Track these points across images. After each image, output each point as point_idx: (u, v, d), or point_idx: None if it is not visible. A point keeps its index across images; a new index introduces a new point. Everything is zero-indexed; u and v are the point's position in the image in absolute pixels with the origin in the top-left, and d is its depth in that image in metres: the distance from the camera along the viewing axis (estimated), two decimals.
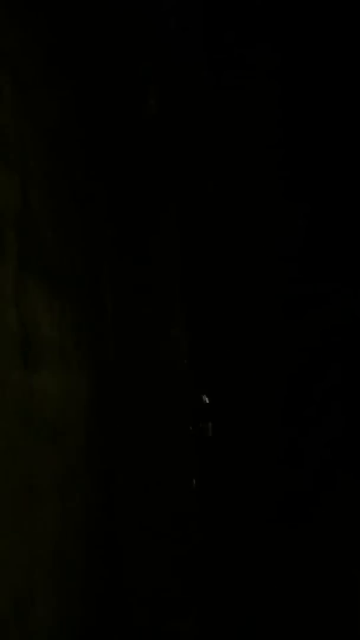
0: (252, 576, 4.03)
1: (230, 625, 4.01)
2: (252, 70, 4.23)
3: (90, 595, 3.12)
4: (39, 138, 2.47)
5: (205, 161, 4.44)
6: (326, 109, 4.11)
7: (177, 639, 4.00)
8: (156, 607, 4.02)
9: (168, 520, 4.17)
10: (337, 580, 3.83)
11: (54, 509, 2.33)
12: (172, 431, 4.35)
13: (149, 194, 4.40)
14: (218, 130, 4.38)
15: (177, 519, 4.19)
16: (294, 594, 3.89)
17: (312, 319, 4.12)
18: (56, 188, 2.79)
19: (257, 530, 4.07)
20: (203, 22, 4.27)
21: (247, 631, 3.95)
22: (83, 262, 3.42)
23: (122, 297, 4.34)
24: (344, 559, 3.88)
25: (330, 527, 3.92)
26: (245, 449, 4.25)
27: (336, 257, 4.11)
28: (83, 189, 3.58)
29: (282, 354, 4.21)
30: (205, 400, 4.70)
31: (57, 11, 3.10)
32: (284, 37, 4.14)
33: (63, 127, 3.09)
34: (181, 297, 4.44)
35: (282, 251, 4.25)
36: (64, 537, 2.51)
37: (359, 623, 3.71)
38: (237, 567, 4.09)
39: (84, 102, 3.84)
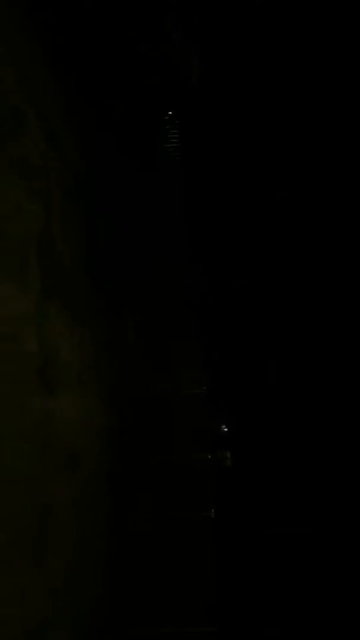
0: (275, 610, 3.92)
1: None
2: None
3: (105, 623, 3.07)
4: (62, 165, 2.53)
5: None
6: None
7: None
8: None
9: (184, 551, 4.10)
10: None
11: (71, 536, 2.31)
12: (190, 459, 4.31)
13: (171, 226, 4.47)
14: None
15: (193, 550, 4.12)
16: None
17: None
18: (78, 216, 2.84)
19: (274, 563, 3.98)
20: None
21: None
22: (105, 290, 3.46)
23: (143, 325, 4.36)
24: None
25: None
26: (264, 479, 4.19)
27: None
28: (104, 221, 3.64)
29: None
30: (224, 429, 4.67)
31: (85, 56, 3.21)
32: None
33: (84, 161, 3.16)
34: (200, 329, 4.46)
35: None
36: (80, 565, 2.49)
37: None
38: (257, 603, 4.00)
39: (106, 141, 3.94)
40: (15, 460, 1.69)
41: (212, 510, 4.44)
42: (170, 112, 4.55)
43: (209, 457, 4.50)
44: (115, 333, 3.71)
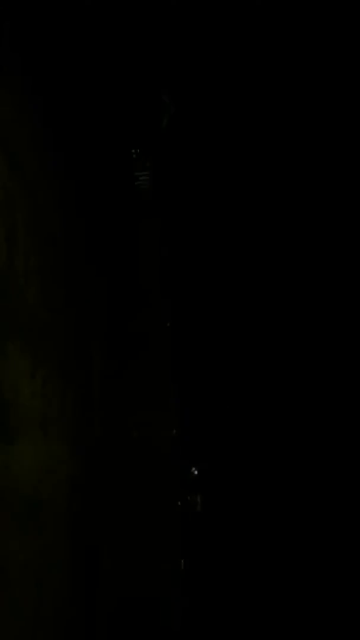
0: None
1: None
2: None
3: None
4: (27, 195, 2.42)
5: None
6: None
7: None
8: None
9: (152, 605, 3.87)
10: None
11: (27, 596, 2.10)
12: (159, 506, 4.12)
13: (140, 268, 4.39)
14: None
15: (161, 603, 3.89)
16: None
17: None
18: (44, 250, 2.72)
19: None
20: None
21: None
22: (70, 331, 3.31)
23: (110, 368, 4.22)
24: None
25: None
26: (237, 525, 4.01)
27: None
28: (73, 260, 3.53)
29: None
30: (194, 472, 4.50)
31: (56, 95, 3.15)
32: None
33: (51, 193, 3.06)
34: (172, 369, 4.34)
35: None
36: (37, 627, 2.26)
37: None
38: None
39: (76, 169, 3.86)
40: None
41: (182, 561, 4.24)
42: (139, 150, 4.53)
43: (179, 503, 4.32)
44: (81, 374, 3.55)
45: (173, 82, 4.00)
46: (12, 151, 2.24)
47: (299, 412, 4.05)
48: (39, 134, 2.78)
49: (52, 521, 2.58)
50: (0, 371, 1.87)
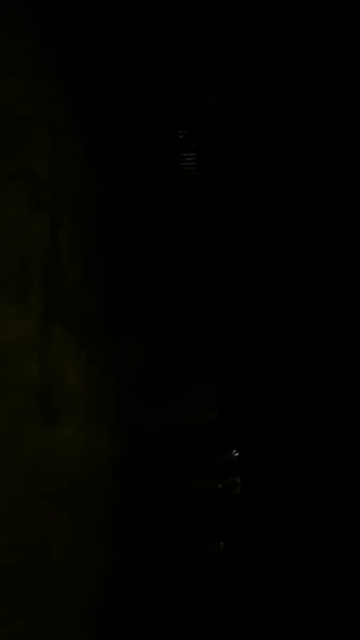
0: None
1: None
2: None
3: None
4: (70, 176, 2.41)
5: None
6: None
7: None
8: None
9: (191, 587, 3.90)
10: None
11: (70, 568, 2.14)
12: (198, 487, 4.14)
13: (183, 250, 4.37)
14: None
15: (200, 586, 3.91)
16: None
17: None
18: (88, 235, 2.72)
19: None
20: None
21: None
22: (113, 311, 3.32)
23: (150, 349, 4.22)
24: None
25: None
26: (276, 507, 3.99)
27: None
28: (114, 241, 3.53)
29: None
30: (234, 455, 4.49)
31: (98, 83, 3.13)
32: None
33: (95, 176, 3.05)
34: (215, 355, 4.33)
35: None
36: (75, 608, 2.30)
37: None
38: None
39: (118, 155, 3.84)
40: (10, 496, 1.53)
41: (221, 543, 4.25)
42: (185, 131, 4.46)
43: (219, 486, 4.32)
44: (122, 357, 3.56)
45: (221, 61, 3.92)
46: (57, 132, 2.23)
47: (339, 397, 3.97)
48: (82, 114, 2.76)
49: (93, 500, 2.62)
50: (45, 353, 1.88)
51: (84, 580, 2.40)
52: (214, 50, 3.75)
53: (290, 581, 3.81)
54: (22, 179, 1.76)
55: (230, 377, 4.37)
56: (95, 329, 2.79)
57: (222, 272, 4.46)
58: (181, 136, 4.38)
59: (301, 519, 3.92)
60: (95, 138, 3.08)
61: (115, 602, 2.99)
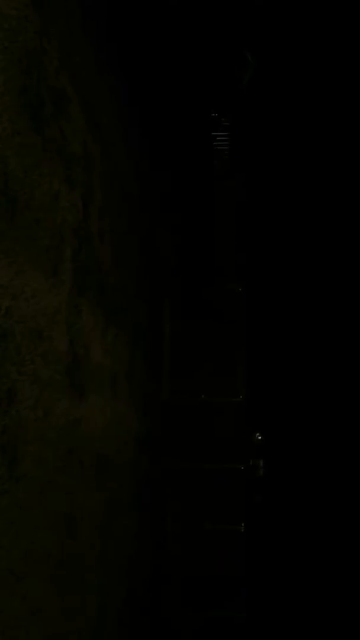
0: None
1: None
2: None
3: None
4: (104, 153, 2.41)
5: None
6: None
7: None
8: None
9: (214, 561, 3.95)
10: None
11: (92, 543, 2.18)
12: (222, 469, 4.15)
13: (215, 232, 4.33)
14: None
15: (223, 561, 3.95)
16: None
17: None
18: (120, 211, 2.72)
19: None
20: None
21: None
22: (143, 289, 3.33)
23: (181, 330, 4.23)
24: None
25: None
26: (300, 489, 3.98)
27: None
28: (146, 220, 3.52)
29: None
30: (258, 438, 4.49)
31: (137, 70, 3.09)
32: None
33: (128, 157, 3.04)
34: (245, 338, 4.32)
35: None
36: (104, 583, 2.35)
37: None
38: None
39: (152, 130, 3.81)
40: (38, 468, 1.56)
41: (242, 524, 4.27)
42: (218, 114, 4.41)
43: (242, 468, 4.33)
44: (152, 336, 3.57)
45: (255, 38, 3.83)
46: (91, 109, 2.22)
47: None
48: (116, 91, 2.74)
49: (118, 476, 2.65)
50: (74, 327, 1.90)
51: (111, 553, 2.45)
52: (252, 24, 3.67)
53: (306, 567, 3.81)
54: (57, 153, 1.76)
55: (259, 360, 4.36)
56: (126, 306, 2.81)
57: (256, 252, 4.42)
58: (214, 114, 4.32)
59: (321, 508, 3.91)
60: (136, 116, 3.07)
61: (141, 573, 3.05)
